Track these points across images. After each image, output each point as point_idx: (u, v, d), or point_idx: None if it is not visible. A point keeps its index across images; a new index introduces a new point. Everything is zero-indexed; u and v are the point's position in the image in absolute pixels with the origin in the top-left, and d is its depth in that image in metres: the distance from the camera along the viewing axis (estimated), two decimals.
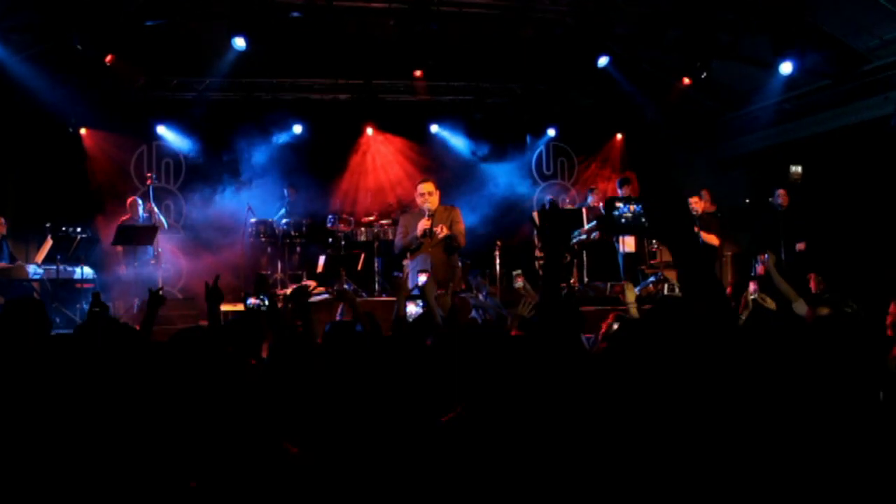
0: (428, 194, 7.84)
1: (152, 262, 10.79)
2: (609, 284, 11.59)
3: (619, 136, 14.81)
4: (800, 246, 10.19)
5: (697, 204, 11.01)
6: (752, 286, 5.93)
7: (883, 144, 10.04)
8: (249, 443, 2.55)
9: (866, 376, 2.84)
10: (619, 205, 10.40)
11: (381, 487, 2.47)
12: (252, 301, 5.77)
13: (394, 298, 6.13)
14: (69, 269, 10.02)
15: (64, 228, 10.10)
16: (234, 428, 2.59)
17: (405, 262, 11.57)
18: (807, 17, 10.00)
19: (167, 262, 11.22)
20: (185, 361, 3.14)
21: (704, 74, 10.77)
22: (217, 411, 2.63)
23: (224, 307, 9.08)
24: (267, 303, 4.82)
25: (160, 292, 4.88)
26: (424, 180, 8.13)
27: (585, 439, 2.58)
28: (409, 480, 2.46)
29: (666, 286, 10.43)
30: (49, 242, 10.03)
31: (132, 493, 2.45)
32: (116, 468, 2.51)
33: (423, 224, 7.73)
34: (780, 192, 10.52)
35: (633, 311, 5.13)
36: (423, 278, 5.84)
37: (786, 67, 10.32)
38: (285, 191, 12.46)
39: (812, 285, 6.00)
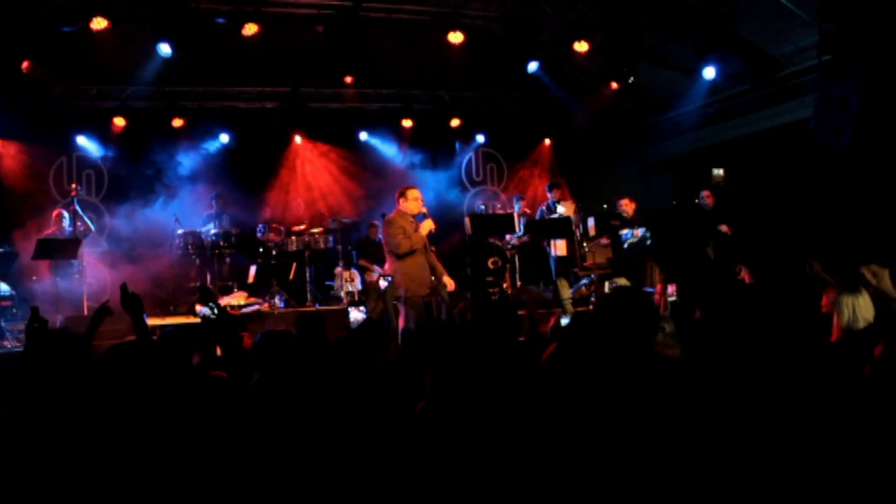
0: (421, 199, 8.12)
1: (77, 276, 10.41)
2: (542, 284, 11.75)
3: (547, 140, 14.99)
4: (723, 227, 10.45)
5: (628, 206, 11.22)
6: (670, 288, 6.06)
7: (801, 146, 10.39)
8: (226, 452, 2.47)
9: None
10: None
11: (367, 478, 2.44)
12: (201, 309, 5.61)
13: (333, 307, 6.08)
14: None
15: None
16: (204, 440, 2.51)
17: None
18: (727, 24, 10.30)
19: (91, 276, 10.83)
20: (126, 375, 3.03)
21: (631, 79, 10.98)
22: (176, 425, 2.54)
23: (153, 321, 8.86)
24: (217, 311, 4.68)
25: (107, 304, 4.64)
26: (413, 186, 8.48)
27: (542, 432, 2.60)
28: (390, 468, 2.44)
29: (606, 286, 10.58)
30: None
31: None
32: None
33: (431, 226, 8.01)
34: (705, 193, 10.80)
35: (569, 306, 5.19)
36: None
37: (709, 72, 10.63)
38: (213, 202, 12.19)
39: (744, 276, 6.19)
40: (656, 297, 6.16)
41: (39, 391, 2.79)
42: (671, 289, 5.65)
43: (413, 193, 8.15)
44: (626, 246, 10.76)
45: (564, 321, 4.21)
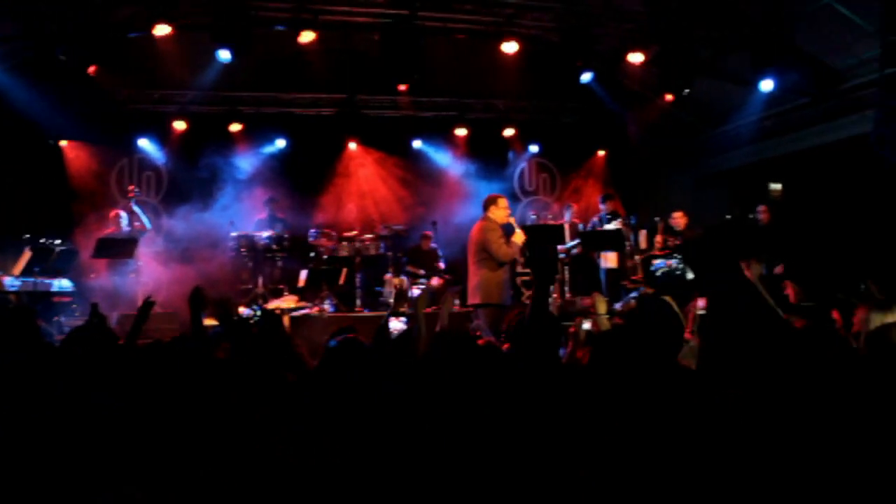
0: (509, 209, 8.19)
1: (132, 274, 10.67)
2: (579, 298, 11.62)
3: (601, 152, 14.90)
4: (778, 270, 10.21)
5: (681, 220, 11.08)
6: (700, 302, 5.96)
7: (863, 161, 10.13)
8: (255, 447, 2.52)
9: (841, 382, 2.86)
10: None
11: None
12: (244, 311, 5.73)
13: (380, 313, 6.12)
14: (46, 281, 9.86)
15: (42, 240, 9.95)
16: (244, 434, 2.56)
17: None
18: (786, 35, 10.11)
19: (146, 275, 11.10)
20: (178, 368, 3.13)
21: (687, 91, 10.82)
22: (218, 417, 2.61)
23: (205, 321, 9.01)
24: (260, 313, 4.78)
25: (150, 299, 4.82)
26: (502, 195, 8.37)
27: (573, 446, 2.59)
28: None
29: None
30: (27, 254, 9.84)
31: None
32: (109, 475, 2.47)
33: (522, 237, 8.05)
34: (761, 208, 10.59)
35: (605, 322, 5.11)
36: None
37: (766, 85, 10.42)
38: (266, 206, 12.39)
39: (790, 293, 6.05)
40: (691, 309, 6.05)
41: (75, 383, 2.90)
42: (701, 303, 5.55)
43: (503, 202, 8.15)
44: (658, 275, 10.62)
45: (586, 325, 4.22)
